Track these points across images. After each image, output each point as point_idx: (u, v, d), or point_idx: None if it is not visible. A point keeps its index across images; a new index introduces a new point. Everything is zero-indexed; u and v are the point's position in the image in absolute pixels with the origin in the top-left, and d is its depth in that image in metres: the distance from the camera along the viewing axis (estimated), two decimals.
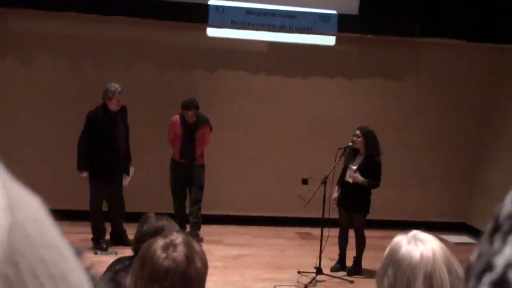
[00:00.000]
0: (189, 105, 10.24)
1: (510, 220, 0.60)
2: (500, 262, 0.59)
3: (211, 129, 10.66)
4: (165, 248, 2.59)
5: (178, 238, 2.64)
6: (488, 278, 0.59)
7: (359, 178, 9.27)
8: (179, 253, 2.57)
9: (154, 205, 10.45)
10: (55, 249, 0.69)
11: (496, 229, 0.62)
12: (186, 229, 10.53)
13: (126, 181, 10.25)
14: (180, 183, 10.61)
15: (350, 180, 9.42)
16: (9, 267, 0.64)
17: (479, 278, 0.60)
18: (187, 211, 10.67)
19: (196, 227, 10.50)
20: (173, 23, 11.01)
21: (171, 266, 2.54)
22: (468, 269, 0.64)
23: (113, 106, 9.91)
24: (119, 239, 10.19)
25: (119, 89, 9.91)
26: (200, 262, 2.60)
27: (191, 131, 10.44)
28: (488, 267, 0.60)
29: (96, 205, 10.11)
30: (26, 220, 0.68)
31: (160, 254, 2.58)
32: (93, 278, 0.78)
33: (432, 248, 2.48)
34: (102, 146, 9.84)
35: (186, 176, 10.52)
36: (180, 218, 10.54)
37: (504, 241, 0.59)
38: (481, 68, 12.14)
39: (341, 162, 9.45)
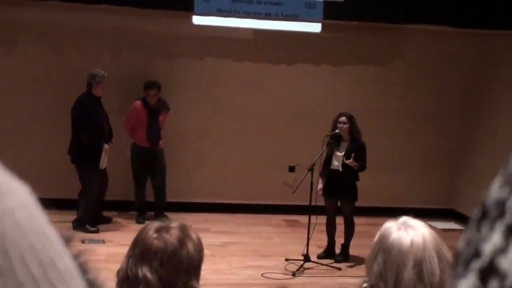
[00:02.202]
0: (153, 84, 10.60)
1: (497, 207, 0.60)
2: (487, 249, 0.59)
3: (168, 111, 10.96)
4: (158, 229, 2.62)
5: (174, 223, 2.66)
6: (475, 265, 0.60)
7: (354, 163, 9.26)
8: (172, 235, 2.59)
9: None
10: (44, 237, 0.69)
11: (483, 215, 0.62)
12: (146, 214, 10.80)
13: (104, 163, 10.34)
14: (145, 168, 10.83)
15: (339, 168, 9.42)
16: None
17: (466, 265, 0.61)
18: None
19: (162, 209, 10.81)
20: (158, 11, 10.97)
21: (161, 246, 2.56)
22: (456, 256, 0.64)
23: (100, 91, 10.19)
24: (97, 218, 10.50)
25: (105, 75, 10.18)
26: (194, 248, 2.60)
27: (156, 114, 10.70)
28: (476, 254, 0.60)
29: (95, 190, 10.27)
30: (16, 207, 0.68)
31: (152, 234, 2.60)
32: (81, 266, 0.78)
33: (422, 234, 2.49)
34: (92, 132, 10.07)
35: (151, 160, 10.74)
36: (142, 204, 10.74)
37: (491, 228, 0.60)
38: (465, 54, 12.17)
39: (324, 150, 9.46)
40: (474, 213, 0.64)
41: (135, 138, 10.78)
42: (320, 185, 9.51)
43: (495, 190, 0.62)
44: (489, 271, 0.58)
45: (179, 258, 2.55)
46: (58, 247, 0.70)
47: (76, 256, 0.78)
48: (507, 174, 0.62)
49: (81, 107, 10.07)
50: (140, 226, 2.87)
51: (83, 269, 0.79)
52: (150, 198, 10.98)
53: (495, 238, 0.58)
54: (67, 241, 0.76)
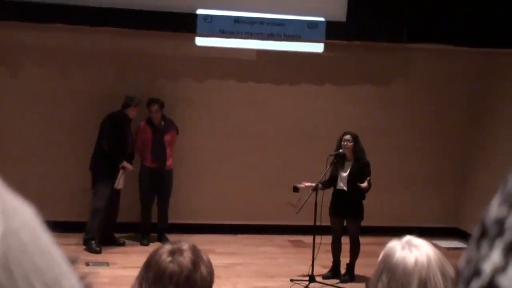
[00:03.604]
0: (154, 100, 10.71)
1: (496, 225, 0.61)
2: (487, 267, 0.59)
3: (177, 132, 11.01)
4: (172, 252, 2.60)
5: (185, 245, 2.64)
6: (476, 284, 0.60)
7: (364, 185, 9.25)
8: (185, 258, 2.57)
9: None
10: (48, 256, 0.69)
11: (483, 234, 0.62)
12: (150, 236, 10.82)
13: (120, 184, 10.41)
14: (151, 189, 10.84)
15: (344, 188, 9.42)
16: (3, 273, 0.65)
17: (467, 284, 0.61)
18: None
19: (165, 232, 10.89)
20: (161, 33, 11.01)
21: (176, 270, 2.54)
22: (457, 275, 0.65)
23: (133, 113, 10.53)
24: (109, 239, 10.59)
25: (142, 100, 10.58)
26: (206, 270, 2.59)
27: (161, 134, 10.74)
28: (476, 273, 0.60)
29: (102, 206, 10.32)
30: (21, 227, 0.68)
31: (165, 257, 2.58)
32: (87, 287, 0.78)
33: (426, 253, 2.48)
34: (117, 147, 10.30)
35: (157, 181, 10.76)
36: (148, 226, 10.74)
37: (491, 246, 0.60)
38: (469, 72, 12.18)
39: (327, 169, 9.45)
40: (474, 231, 0.64)
41: (143, 159, 10.81)
42: (310, 184, 9.39)
43: (494, 209, 0.63)
44: None
45: (193, 281, 2.55)
46: (63, 267, 0.71)
47: (81, 278, 0.79)
48: (505, 193, 0.62)
49: (113, 120, 10.36)
50: (144, 248, 2.87)
51: None
52: (155, 219, 10.99)
53: (495, 257, 0.59)
54: (72, 263, 0.76)
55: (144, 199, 10.89)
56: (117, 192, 10.45)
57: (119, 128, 10.34)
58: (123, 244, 10.68)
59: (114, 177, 10.26)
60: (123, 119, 10.45)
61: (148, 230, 10.93)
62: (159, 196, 10.92)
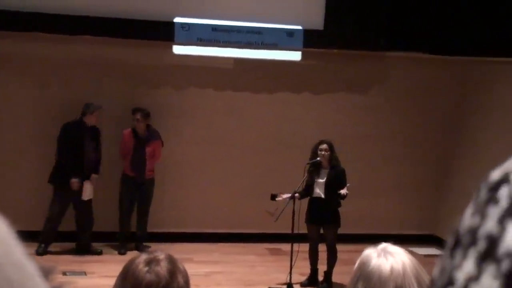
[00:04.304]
0: (137, 109, 10.68)
1: (469, 235, 0.61)
2: (461, 277, 0.59)
3: (162, 144, 10.92)
4: (148, 262, 2.58)
5: (161, 255, 2.63)
6: None
7: (345, 191, 9.28)
8: (162, 268, 2.55)
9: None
10: (21, 269, 0.68)
11: (456, 243, 0.63)
12: (127, 245, 10.79)
13: (86, 195, 10.36)
14: (130, 197, 10.79)
15: (321, 195, 9.43)
16: None
17: None
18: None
19: (143, 241, 10.88)
20: (139, 41, 10.99)
21: (153, 280, 2.52)
22: (431, 284, 0.65)
23: (92, 121, 10.42)
24: (85, 249, 10.60)
25: (101, 107, 10.47)
26: (183, 280, 2.58)
27: (143, 144, 10.67)
28: (450, 282, 0.60)
29: (52, 212, 10.35)
30: None
31: (142, 267, 2.56)
32: None
33: (402, 261, 2.48)
34: (71, 157, 10.20)
35: (136, 190, 10.74)
36: (126, 234, 10.70)
37: (464, 256, 0.60)
38: (446, 81, 12.25)
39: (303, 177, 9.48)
40: (447, 241, 0.65)
41: (124, 167, 10.77)
42: (289, 195, 9.40)
43: (467, 218, 0.63)
44: None
45: None
46: (36, 280, 0.70)
47: None
48: (478, 202, 0.63)
49: (65, 130, 10.31)
50: (122, 257, 2.86)
51: None
52: (134, 228, 10.96)
53: (468, 266, 0.59)
54: (48, 273, 0.75)
55: (122, 207, 10.86)
56: (85, 202, 10.42)
57: (73, 137, 10.25)
58: (99, 253, 10.63)
59: (64, 184, 10.18)
60: (80, 128, 10.34)
61: (125, 239, 10.88)
62: (139, 205, 10.89)
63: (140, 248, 10.43)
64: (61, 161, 10.27)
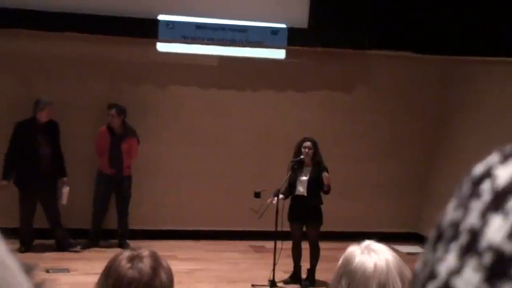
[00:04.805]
0: (112, 105, 10.62)
1: (452, 228, 0.62)
2: (443, 270, 0.60)
3: (138, 142, 10.86)
4: (131, 259, 2.57)
5: (145, 252, 2.63)
6: (431, 286, 0.61)
7: (328, 179, 9.29)
8: (145, 264, 2.55)
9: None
10: (2, 266, 0.68)
11: (439, 237, 0.63)
12: (98, 242, 10.84)
13: (63, 200, 10.35)
14: (105, 195, 10.76)
15: (304, 193, 9.45)
16: None
17: (423, 286, 0.62)
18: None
19: (125, 238, 10.81)
20: (123, 38, 10.96)
21: (135, 276, 2.52)
22: (413, 278, 0.65)
23: (43, 117, 10.24)
24: (64, 245, 10.55)
25: (50, 102, 10.24)
26: (166, 277, 2.58)
27: (119, 140, 10.62)
28: (432, 276, 0.61)
29: (22, 213, 10.33)
30: None
31: (125, 264, 2.55)
32: None
33: (385, 258, 2.49)
34: (25, 157, 10.08)
35: (113, 188, 10.71)
36: (98, 232, 10.68)
37: (446, 250, 0.61)
38: (429, 79, 12.30)
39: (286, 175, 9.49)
40: (430, 234, 0.65)
41: (100, 164, 10.75)
42: (276, 198, 9.41)
43: (450, 212, 0.64)
44: None
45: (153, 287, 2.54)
46: (18, 276, 0.70)
47: (39, 285, 0.78)
48: (460, 196, 0.63)
49: (14, 129, 10.18)
50: (106, 255, 2.86)
51: None
52: (112, 226, 10.95)
53: (450, 260, 0.60)
54: (29, 270, 0.75)
55: (95, 205, 10.82)
56: (51, 200, 10.35)
57: (25, 136, 10.12)
58: (78, 251, 10.58)
59: (23, 184, 10.14)
60: (33, 126, 10.20)
61: (97, 235, 10.88)
62: (118, 203, 10.88)
63: (123, 246, 10.42)
64: (7, 160, 10.15)
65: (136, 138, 10.86)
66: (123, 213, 10.92)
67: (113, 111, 10.60)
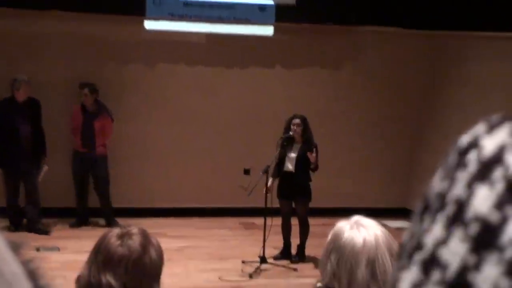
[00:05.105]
0: (85, 84, 10.52)
1: (438, 199, 0.62)
2: (429, 241, 0.60)
3: (112, 120, 10.78)
4: (121, 236, 2.59)
5: (134, 229, 2.64)
6: (418, 257, 0.61)
7: (314, 157, 9.28)
8: (135, 241, 2.56)
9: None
10: None
11: (425, 208, 0.64)
12: (86, 220, 10.82)
13: (39, 177, 10.28)
14: (81, 173, 10.71)
15: (292, 170, 9.45)
16: None
17: (410, 257, 0.62)
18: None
19: (111, 217, 10.78)
20: (110, 16, 10.90)
21: (125, 253, 2.53)
22: (400, 249, 0.66)
23: (20, 96, 10.12)
24: (32, 226, 10.41)
25: (26, 80, 10.10)
26: (156, 254, 2.59)
27: (91, 119, 10.54)
28: (419, 246, 0.61)
29: (6, 193, 10.31)
30: None
31: (115, 241, 2.57)
32: (31, 272, 0.77)
33: (374, 233, 2.50)
34: (5, 137, 9.97)
35: (88, 167, 10.64)
36: (82, 211, 10.66)
37: (433, 220, 0.61)
38: (417, 55, 12.29)
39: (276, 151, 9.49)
40: (417, 206, 0.66)
41: (74, 143, 10.69)
42: (269, 184, 9.47)
43: (436, 183, 0.64)
44: (431, 263, 0.59)
45: (143, 265, 2.54)
46: (4, 254, 0.69)
47: (26, 263, 0.77)
48: (447, 167, 0.63)
49: None
50: (96, 233, 2.86)
51: (34, 275, 0.78)
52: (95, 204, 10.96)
53: (437, 230, 0.60)
54: (17, 248, 0.75)
55: (75, 184, 10.81)
56: (34, 182, 10.25)
57: (1, 115, 10.03)
58: (47, 233, 10.40)
59: (14, 169, 10.07)
60: (11, 105, 10.10)
61: (83, 214, 10.86)
62: (95, 183, 10.84)
63: (111, 224, 10.40)
64: None
65: (110, 117, 10.76)
66: (102, 194, 10.83)
67: (86, 90, 10.51)
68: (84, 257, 2.66)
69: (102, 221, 10.86)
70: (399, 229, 10.68)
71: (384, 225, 2.72)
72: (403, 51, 12.25)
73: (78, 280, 2.58)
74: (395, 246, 2.51)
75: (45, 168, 10.31)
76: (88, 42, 11.16)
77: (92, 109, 10.61)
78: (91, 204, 10.98)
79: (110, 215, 10.83)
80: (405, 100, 12.39)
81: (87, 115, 10.58)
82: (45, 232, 10.38)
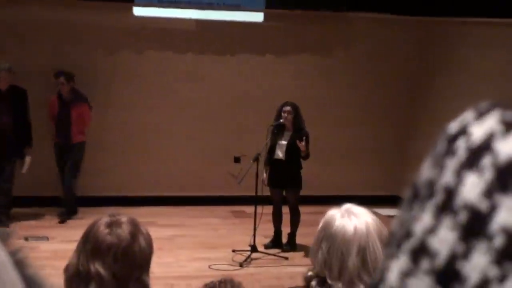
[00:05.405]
0: (61, 72, 10.30)
1: (427, 187, 0.61)
2: (418, 229, 0.60)
3: (90, 108, 10.60)
4: (110, 225, 2.58)
5: (123, 217, 2.63)
6: (407, 246, 0.60)
7: (303, 145, 9.24)
8: (124, 230, 2.56)
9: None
10: None
11: (414, 196, 0.63)
12: (76, 212, 10.72)
13: (23, 168, 10.16)
14: (60, 164, 10.60)
15: (282, 157, 9.44)
16: None
17: (399, 245, 0.61)
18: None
19: (70, 205, 10.60)
20: (98, 3, 10.86)
21: (114, 242, 2.52)
22: (389, 238, 0.65)
23: (1, 85, 9.91)
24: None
25: (6, 68, 9.87)
26: (145, 242, 2.58)
27: (67, 107, 10.38)
28: (408, 235, 0.61)
29: None
30: None
31: (103, 229, 2.56)
32: (19, 262, 0.77)
33: (365, 221, 2.50)
34: None
35: (65, 155, 10.49)
36: (70, 200, 10.58)
37: (422, 208, 0.60)
38: (408, 41, 12.28)
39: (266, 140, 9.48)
40: (406, 194, 0.65)
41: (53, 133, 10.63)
42: (265, 175, 9.53)
43: (426, 170, 0.63)
44: (420, 251, 0.59)
45: (132, 253, 2.53)
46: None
47: (14, 252, 0.77)
48: (436, 154, 0.63)
49: None
50: (85, 222, 2.85)
51: (21, 264, 0.77)
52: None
53: (426, 218, 0.59)
54: (5, 237, 0.74)
55: (59, 174, 10.73)
56: (8, 174, 10.05)
57: None
58: (7, 226, 10.00)
59: None
60: None
61: (69, 203, 10.70)
62: (66, 166, 10.62)
63: (66, 214, 10.37)
64: None
65: (87, 104, 10.59)
66: (66, 183, 10.60)
67: (62, 79, 10.33)
68: (73, 246, 2.65)
69: (90, 210, 10.78)
70: (390, 217, 10.71)
71: (375, 213, 2.72)
72: (394, 37, 12.25)
73: (67, 269, 2.57)
74: (386, 233, 2.51)
75: (28, 159, 10.16)
76: (76, 28, 11.10)
77: (68, 97, 10.42)
78: (80, 193, 10.95)
79: (69, 202, 10.61)
80: (396, 87, 12.39)
81: (64, 104, 10.42)
82: (6, 225, 9.97)
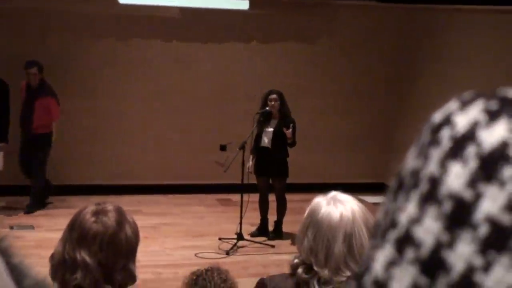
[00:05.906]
0: (34, 63, 10.07)
1: (412, 176, 0.62)
2: (403, 219, 0.60)
3: (58, 103, 10.32)
4: (96, 213, 2.58)
5: (109, 206, 2.62)
6: (392, 235, 0.61)
7: (290, 133, 9.22)
8: (110, 218, 2.56)
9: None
10: None
11: (399, 186, 0.63)
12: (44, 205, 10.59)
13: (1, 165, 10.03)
14: (22, 154, 10.38)
15: (268, 145, 9.43)
16: None
17: (384, 235, 0.62)
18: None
19: (34, 199, 10.42)
20: None
21: (100, 230, 2.52)
22: (374, 227, 0.65)
23: None
24: None
25: None
26: (131, 231, 2.58)
27: (32, 97, 10.17)
28: (393, 224, 0.61)
29: None
30: None
31: (89, 218, 2.56)
32: (4, 251, 0.76)
33: (351, 208, 2.51)
34: None
35: (27, 146, 10.29)
36: (45, 189, 10.47)
37: (407, 198, 0.61)
38: (392, 29, 12.30)
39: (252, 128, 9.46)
40: (391, 183, 0.65)
41: None
42: (250, 163, 9.52)
43: (410, 160, 0.64)
44: (405, 241, 0.59)
45: (118, 242, 2.53)
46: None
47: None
48: (421, 144, 0.63)
49: None
50: (70, 211, 2.84)
51: (6, 253, 0.77)
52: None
53: (410, 208, 0.59)
54: None
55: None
56: None
57: None
58: None
59: None
60: None
61: (44, 192, 10.60)
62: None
63: (31, 207, 10.30)
64: None
65: (54, 99, 10.30)
66: (34, 172, 10.42)
67: (35, 69, 10.09)
68: (58, 235, 2.65)
69: (76, 198, 10.74)
70: (376, 204, 10.74)
71: (362, 200, 2.73)
72: (379, 24, 12.25)
73: (52, 257, 2.57)
74: (372, 220, 2.52)
75: (0, 154, 9.98)
76: (62, 17, 11.05)
77: (36, 88, 10.18)
78: (66, 181, 10.92)
79: (34, 194, 10.45)
80: (382, 75, 12.41)
81: (30, 93, 10.19)
82: None
